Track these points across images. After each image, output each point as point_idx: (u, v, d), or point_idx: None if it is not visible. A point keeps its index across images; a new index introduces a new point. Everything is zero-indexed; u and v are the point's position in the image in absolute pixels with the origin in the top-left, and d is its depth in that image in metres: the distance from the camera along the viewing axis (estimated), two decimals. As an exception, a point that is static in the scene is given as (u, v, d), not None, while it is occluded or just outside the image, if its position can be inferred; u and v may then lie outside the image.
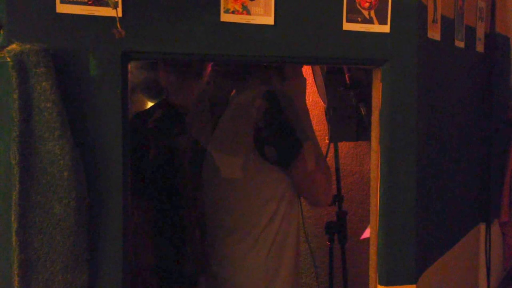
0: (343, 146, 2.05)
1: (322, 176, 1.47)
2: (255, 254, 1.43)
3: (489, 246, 1.73)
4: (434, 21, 1.21)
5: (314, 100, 1.97)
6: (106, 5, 0.87)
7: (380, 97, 1.10)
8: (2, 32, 0.85)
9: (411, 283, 1.14)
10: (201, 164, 1.48)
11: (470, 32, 1.50)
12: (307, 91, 1.94)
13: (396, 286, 1.13)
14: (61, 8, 0.87)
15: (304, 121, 1.46)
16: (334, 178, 1.79)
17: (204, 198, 1.50)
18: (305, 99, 1.55)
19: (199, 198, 1.49)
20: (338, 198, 1.79)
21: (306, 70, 1.89)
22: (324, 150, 1.83)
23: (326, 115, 1.71)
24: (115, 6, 0.85)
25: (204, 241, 1.50)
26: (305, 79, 1.54)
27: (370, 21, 1.05)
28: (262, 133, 1.38)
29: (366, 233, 1.75)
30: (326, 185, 1.49)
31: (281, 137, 1.40)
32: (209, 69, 1.52)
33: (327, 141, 1.73)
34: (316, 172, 1.44)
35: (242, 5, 0.97)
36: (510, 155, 1.92)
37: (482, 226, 1.73)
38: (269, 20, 0.99)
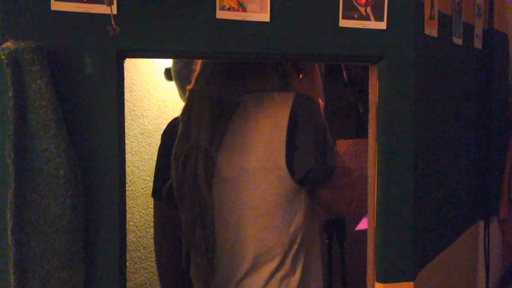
0: (342, 144, 2.05)
1: (349, 186, 1.30)
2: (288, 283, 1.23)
3: (488, 243, 1.73)
4: (431, 17, 1.20)
5: (312, 98, 1.96)
6: (101, 2, 0.86)
7: (377, 94, 1.10)
8: (-4, 30, 0.85)
9: (409, 280, 1.14)
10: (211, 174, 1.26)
11: (468, 28, 1.50)
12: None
13: (394, 283, 1.13)
14: (56, 6, 0.87)
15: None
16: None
17: (215, 223, 1.25)
18: (322, 94, 1.39)
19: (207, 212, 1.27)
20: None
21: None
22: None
23: (324, 113, 1.71)
24: (110, 4, 0.85)
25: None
26: (319, 75, 1.38)
27: (366, 18, 1.05)
28: (299, 150, 1.16)
29: (361, 225, 1.75)
30: (353, 194, 1.31)
31: (321, 154, 1.19)
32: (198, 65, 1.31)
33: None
34: (345, 184, 1.28)
35: (238, 2, 0.97)
36: (509, 152, 1.92)
37: (481, 223, 1.73)
38: (265, 17, 0.98)
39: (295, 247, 1.22)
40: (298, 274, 1.24)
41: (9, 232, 0.84)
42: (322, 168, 1.19)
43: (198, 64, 1.29)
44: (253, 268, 1.22)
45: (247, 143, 1.19)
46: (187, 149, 1.25)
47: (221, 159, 1.22)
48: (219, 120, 1.23)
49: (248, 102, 1.23)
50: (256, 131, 1.19)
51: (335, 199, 1.29)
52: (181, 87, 1.53)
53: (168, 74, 1.63)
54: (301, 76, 1.34)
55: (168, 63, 1.65)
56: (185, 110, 1.27)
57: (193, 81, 1.28)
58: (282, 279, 1.22)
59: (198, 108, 1.25)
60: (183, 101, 1.48)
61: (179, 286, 1.46)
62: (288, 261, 1.22)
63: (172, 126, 1.46)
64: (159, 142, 1.46)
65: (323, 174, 1.20)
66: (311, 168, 1.18)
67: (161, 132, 1.48)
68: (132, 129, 1.76)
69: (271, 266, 1.22)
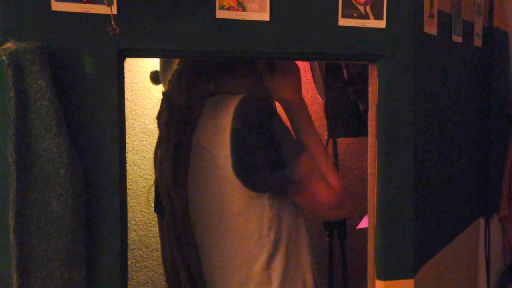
0: (342, 142, 2.05)
1: (330, 189, 1.20)
2: None
3: (489, 240, 1.73)
4: (430, 15, 1.21)
5: (312, 96, 1.97)
6: (101, 2, 0.87)
7: (377, 92, 1.10)
8: (-3, 31, 0.86)
9: (409, 277, 1.14)
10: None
11: (468, 27, 1.50)
12: (306, 87, 1.95)
13: (394, 280, 1.13)
14: (56, 6, 0.87)
15: (302, 120, 1.23)
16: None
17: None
18: (301, 92, 1.31)
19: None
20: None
21: (305, 66, 1.89)
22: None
23: (324, 111, 1.71)
24: (110, 4, 0.85)
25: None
26: (298, 68, 1.30)
27: (365, 17, 1.05)
28: (241, 154, 1.12)
29: (362, 223, 1.75)
30: (340, 197, 1.21)
31: (269, 158, 1.12)
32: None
33: (326, 138, 1.73)
34: (323, 187, 1.19)
35: (238, 1, 0.97)
36: (509, 150, 1.92)
37: (482, 221, 1.74)
38: (265, 16, 0.99)
39: (264, 256, 1.16)
40: (276, 283, 1.18)
41: (11, 231, 0.85)
42: (271, 175, 1.12)
43: (175, 66, 1.26)
44: (219, 280, 1.18)
45: (206, 147, 1.17)
46: (161, 154, 1.23)
47: (192, 163, 1.20)
48: (185, 124, 1.20)
49: (210, 105, 1.20)
50: (211, 135, 1.16)
51: (310, 206, 1.23)
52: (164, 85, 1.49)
53: (154, 77, 1.47)
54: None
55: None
56: (159, 114, 1.26)
57: (166, 84, 1.26)
58: None
59: (168, 112, 1.22)
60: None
61: None
62: (260, 271, 1.16)
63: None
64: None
65: (273, 182, 1.13)
66: (257, 175, 1.12)
67: None
68: (133, 128, 1.77)
69: (240, 276, 1.17)
